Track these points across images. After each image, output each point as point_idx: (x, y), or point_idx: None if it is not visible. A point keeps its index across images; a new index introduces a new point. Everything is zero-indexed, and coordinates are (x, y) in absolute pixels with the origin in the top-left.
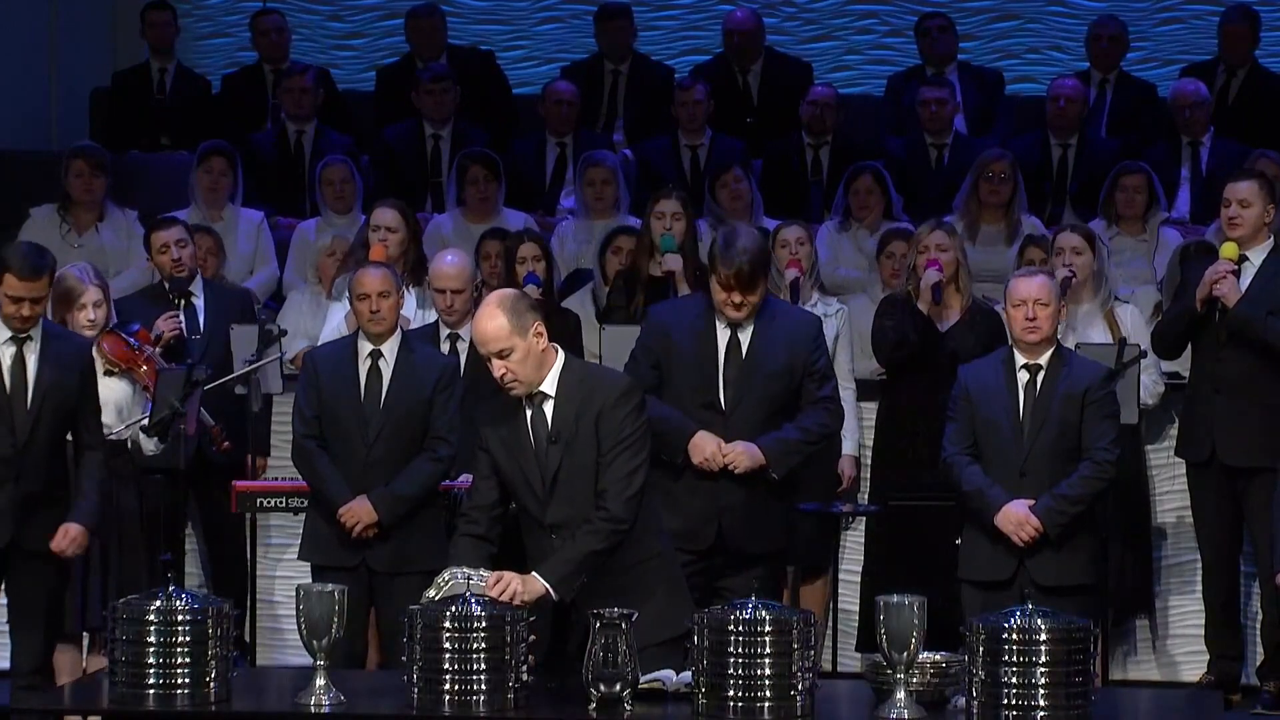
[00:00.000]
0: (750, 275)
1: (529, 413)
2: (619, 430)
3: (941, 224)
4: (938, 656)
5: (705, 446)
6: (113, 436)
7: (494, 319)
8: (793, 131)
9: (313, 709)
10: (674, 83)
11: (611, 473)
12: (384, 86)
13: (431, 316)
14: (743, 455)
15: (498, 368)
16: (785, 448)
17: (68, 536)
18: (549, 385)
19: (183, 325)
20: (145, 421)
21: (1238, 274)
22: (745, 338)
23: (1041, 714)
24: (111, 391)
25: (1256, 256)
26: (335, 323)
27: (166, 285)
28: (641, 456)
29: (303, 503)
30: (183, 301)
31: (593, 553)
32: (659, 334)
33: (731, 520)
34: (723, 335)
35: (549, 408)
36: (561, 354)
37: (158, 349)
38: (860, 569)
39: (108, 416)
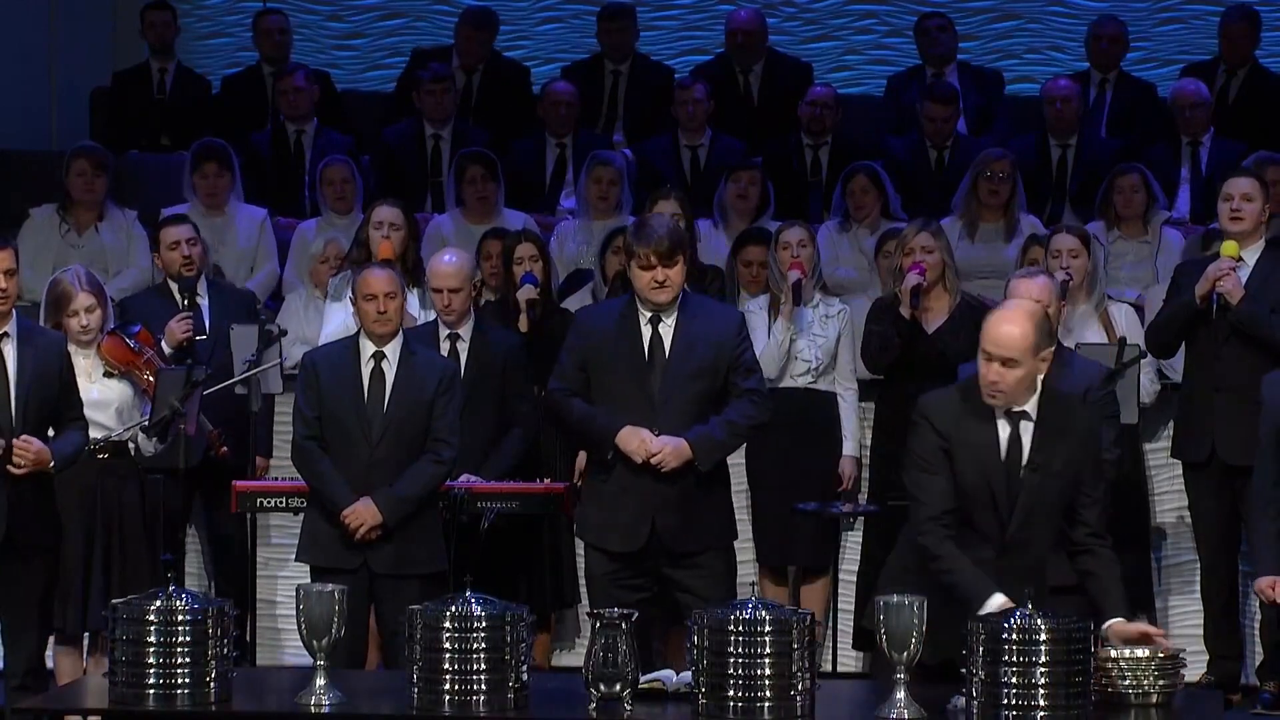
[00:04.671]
0: (670, 249)
1: (1005, 431)
2: (1097, 464)
3: (927, 225)
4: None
5: (631, 439)
6: (114, 438)
7: (1021, 326)
8: (792, 132)
9: (313, 709)
10: (674, 83)
11: (1096, 491)
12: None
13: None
14: (670, 453)
15: (991, 372)
16: (711, 442)
17: (23, 445)
18: (1030, 406)
19: (193, 326)
20: (145, 422)
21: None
22: (667, 335)
23: (1041, 714)
24: (112, 393)
25: (1250, 256)
26: (339, 322)
27: (174, 284)
28: None
29: (302, 503)
30: (187, 302)
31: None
32: (584, 336)
33: (665, 519)
34: (646, 332)
35: (1027, 430)
36: (1040, 379)
37: (171, 350)
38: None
39: (108, 418)
